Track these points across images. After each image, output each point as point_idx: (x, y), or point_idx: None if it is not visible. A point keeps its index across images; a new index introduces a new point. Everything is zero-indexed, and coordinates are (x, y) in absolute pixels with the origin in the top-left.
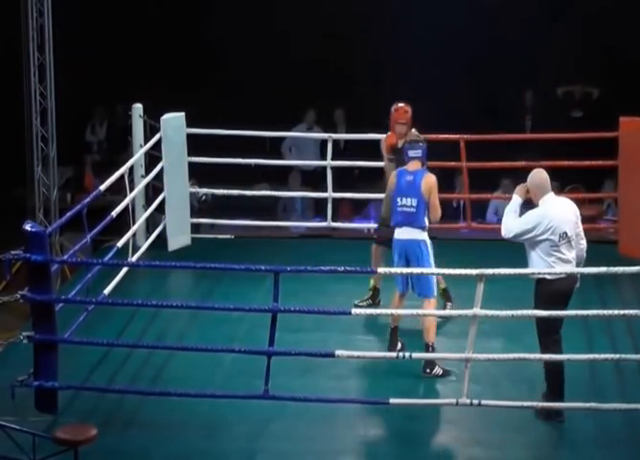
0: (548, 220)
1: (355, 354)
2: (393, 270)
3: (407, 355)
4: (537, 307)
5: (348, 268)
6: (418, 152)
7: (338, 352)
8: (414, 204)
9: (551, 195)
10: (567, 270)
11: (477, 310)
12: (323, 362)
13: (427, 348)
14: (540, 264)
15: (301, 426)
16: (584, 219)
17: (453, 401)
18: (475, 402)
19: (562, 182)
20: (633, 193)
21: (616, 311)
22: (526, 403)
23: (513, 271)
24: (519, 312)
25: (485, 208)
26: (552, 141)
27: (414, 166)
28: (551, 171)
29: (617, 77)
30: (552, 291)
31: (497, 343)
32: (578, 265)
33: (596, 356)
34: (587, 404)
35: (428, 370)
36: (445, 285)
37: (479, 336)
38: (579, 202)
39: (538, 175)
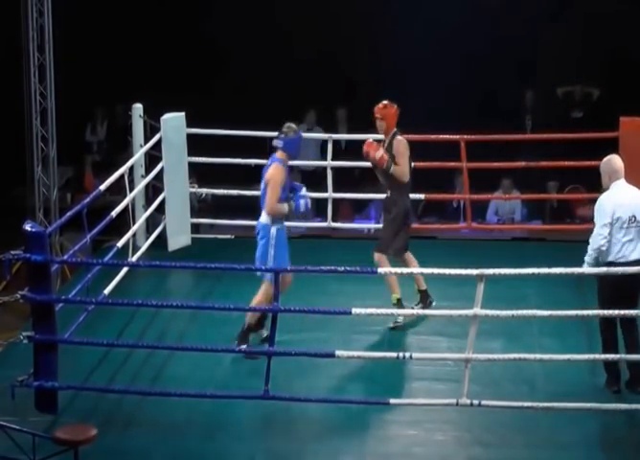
0: (612, 204)
1: (356, 354)
2: (394, 270)
3: (407, 355)
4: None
5: (348, 268)
6: (278, 143)
7: (338, 352)
8: (261, 187)
9: (621, 181)
10: (567, 271)
11: (477, 310)
12: (323, 362)
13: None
14: (615, 246)
15: (301, 427)
16: (585, 220)
17: (453, 401)
18: (475, 402)
19: (562, 182)
20: None
21: (616, 311)
22: (526, 404)
23: (513, 271)
24: (520, 312)
25: (485, 208)
26: (552, 141)
27: (277, 155)
28: (551, 171)
29: (617, 77)
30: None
31: (497, 343)
32: None
33: (596, 355)
34: (588, 405)
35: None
36: (425, 286)
37: (479, 336)
38: (579, 202)
39: (615, 161)
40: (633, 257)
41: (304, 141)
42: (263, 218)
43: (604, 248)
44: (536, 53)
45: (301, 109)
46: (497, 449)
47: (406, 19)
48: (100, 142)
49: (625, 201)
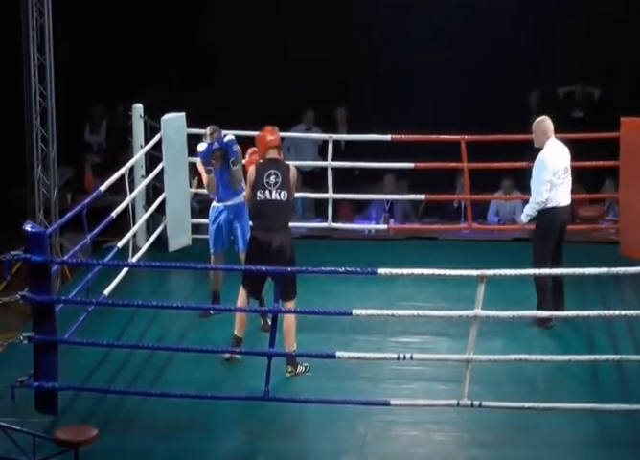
0: (553, 161)
1: (356, 355)
2: (394, 271)
3: (408, 355)
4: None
5: (348, 269)
6: None
7: (339, 353)
8: None
9: (553, 139)
10: (566, 271)
11: (478, 311)
12: (324, 363)
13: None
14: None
15: (301, 427)
16: (586, 220)
17: (454, 401)
18: (476, 403)
19: None
20: (634, 193)
21: (617, 312)
22: (527, 404)
23: (513, 272)
24: (520, 313)
25: (486, 209)
26: None
27: None
28: None
29: (618, 77)
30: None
31: (498, 344)
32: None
33: (597, 356)
34: (588, 405)
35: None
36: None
37: (480, 337)
38: (580, 203)
39: (547, 121)
40: (564, 203)
41: (302, 141)
42: None
43: (546, 201)
44: (540, 54)
45: (300, 109)
46: (498, 450)
47: (408, 20)
48: (100, 142)
49: (559, 157)
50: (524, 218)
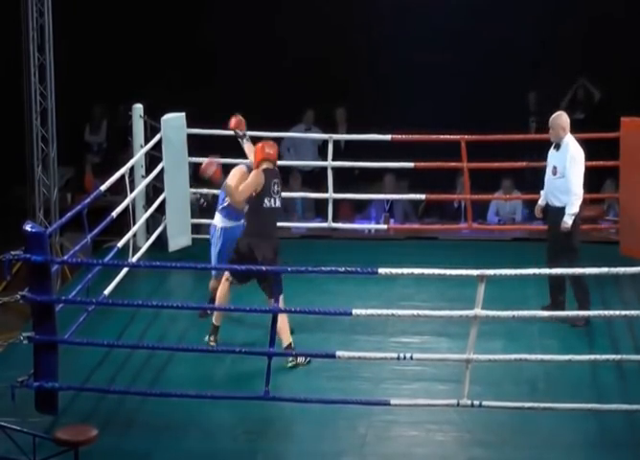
0: (583, 156)
1: (357, 354)
2: (394, 271)
3: (408, 355)
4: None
5: (348, 269)
6: None
7: (339, 353)
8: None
9: (570, 135)
10: (566, 271)
11: (478, 311)
12: (324, 363)
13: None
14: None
15: (301, 427)
16: (585, 220)
17: (454, 401)
18: (476, 402)
19: None
20: (634, 193)
21: (617, 312)
22: (527, 404)
23: (514, 272)
24: (520, 313)
25: (486, 209)
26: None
27: None
28: None
29: (618, 77)
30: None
31: (498, 344)
32: None
33: (597, 356)
34: (588, 405)
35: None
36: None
37: (480, 337)
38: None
39: (565, 116)
40: None
41: (302, 141)
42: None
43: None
44: (540, 54)
45: (300, 109)
46: (498, 450)
47: (408, 20)
48: (100, 142)
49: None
50: (570, 219)
